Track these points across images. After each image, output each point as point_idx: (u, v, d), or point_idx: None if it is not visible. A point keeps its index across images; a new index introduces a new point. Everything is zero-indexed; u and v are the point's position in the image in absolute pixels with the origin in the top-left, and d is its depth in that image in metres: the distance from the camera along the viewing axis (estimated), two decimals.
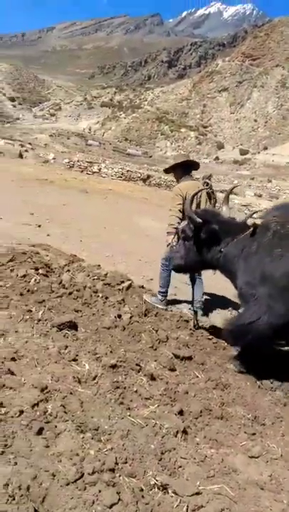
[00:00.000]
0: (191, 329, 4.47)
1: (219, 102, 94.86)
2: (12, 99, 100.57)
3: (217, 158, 77.35)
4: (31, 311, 3.56)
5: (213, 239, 4.04)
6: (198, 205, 5.02)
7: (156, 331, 4.04)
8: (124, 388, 2.76)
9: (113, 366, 2.95)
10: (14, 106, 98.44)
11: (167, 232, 5.01)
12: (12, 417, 2.10)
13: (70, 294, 4.26)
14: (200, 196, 5.06)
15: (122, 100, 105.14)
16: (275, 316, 3.41)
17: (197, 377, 3.39)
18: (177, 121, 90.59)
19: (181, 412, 2.69)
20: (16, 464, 1.80)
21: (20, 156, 26.31)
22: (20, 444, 1.94)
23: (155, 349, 3.68)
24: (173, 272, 4.92)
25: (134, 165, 43.56)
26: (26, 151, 29.75)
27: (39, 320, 3.44)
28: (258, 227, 3.74)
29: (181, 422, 2.54)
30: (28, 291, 3.97)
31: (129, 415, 2.47)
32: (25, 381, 2.42)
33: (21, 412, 2.14)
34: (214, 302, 5.79)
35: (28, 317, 3.42)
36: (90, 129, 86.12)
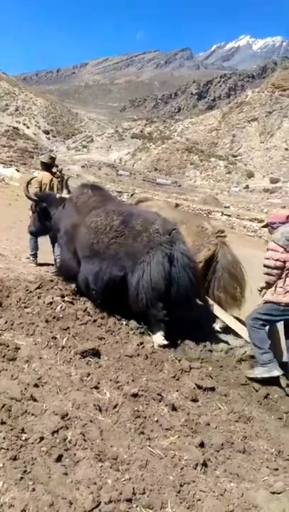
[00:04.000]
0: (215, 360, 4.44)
1: (249, 131, 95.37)
2: (46, 132, 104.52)
3: (247, 186, 77.28)
4: (56, 337, 3.63)
5: (45, 211, 6.12)
6: (51, 188, 7.08)
7: (179, 360, 4.03)
8: (145, 418, 2.76)
9: (134, 395, 2.96)
10: (48, 138, 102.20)
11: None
12: (32, 443, 2.14)
13: (95, 321, 4.32)
14: (52, 182, 7.17)
15: (152, 132, 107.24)
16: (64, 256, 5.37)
17: (220, 408, 3.34)
18: (206, 151, 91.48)
19: (201, 444, 2.65)
20: (33, 490, 1.83)
21: None
22: (40, 471, 1.97)
23: (177, 379, 3.65)
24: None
25: (163, 194, 44.08)
26: None
27: (63, 347, 3.50)
28: (66, 200, 5.70)
29: (202, 455, 2.50)
30: (54, 318, 4.05)
31: (149, 445, 2.46)
32: (46, 408, 2.46)
33: (42, 438, 2.18)
34: None
35: (52, 344, 3.49)
36: (120, 160, 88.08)
